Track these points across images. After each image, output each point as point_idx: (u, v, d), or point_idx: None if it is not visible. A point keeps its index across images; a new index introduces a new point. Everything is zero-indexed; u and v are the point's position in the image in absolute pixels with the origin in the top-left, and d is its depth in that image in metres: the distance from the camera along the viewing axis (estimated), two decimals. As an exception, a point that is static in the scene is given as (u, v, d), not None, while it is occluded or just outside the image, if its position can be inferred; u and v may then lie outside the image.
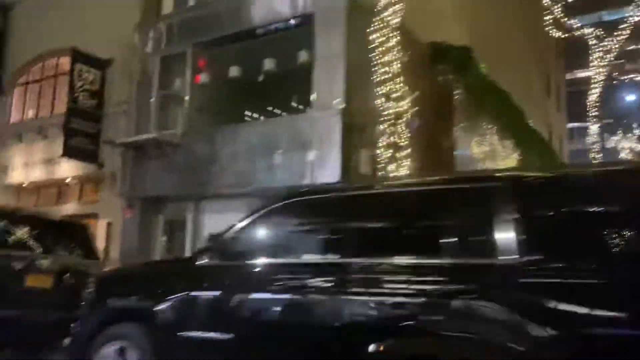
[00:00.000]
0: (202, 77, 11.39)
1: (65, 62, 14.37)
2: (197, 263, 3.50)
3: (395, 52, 8.19)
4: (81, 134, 12.10)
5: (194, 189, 10.92)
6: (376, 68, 8.23)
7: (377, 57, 8.28)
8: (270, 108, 10.57)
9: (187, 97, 11.31)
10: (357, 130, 9.04)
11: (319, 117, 9.44)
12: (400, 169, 7.86)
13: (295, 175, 9.57)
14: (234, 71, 10.95)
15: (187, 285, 3.42)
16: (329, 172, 9.10)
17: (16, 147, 14.74)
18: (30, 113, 14.78)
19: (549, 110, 25.19)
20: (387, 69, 8.00)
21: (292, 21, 10.10)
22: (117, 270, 4.28)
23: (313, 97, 9.61)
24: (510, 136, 14.11)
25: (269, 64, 10.50)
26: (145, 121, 11.89)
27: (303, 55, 10.06)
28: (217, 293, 3.33)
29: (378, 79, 8.23)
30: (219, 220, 11.14)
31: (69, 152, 11.93)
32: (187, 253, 11.48)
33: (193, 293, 3.37)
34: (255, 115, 10.72)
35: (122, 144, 11.37)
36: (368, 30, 9.12)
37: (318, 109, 9.49)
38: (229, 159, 10.45)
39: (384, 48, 8.16)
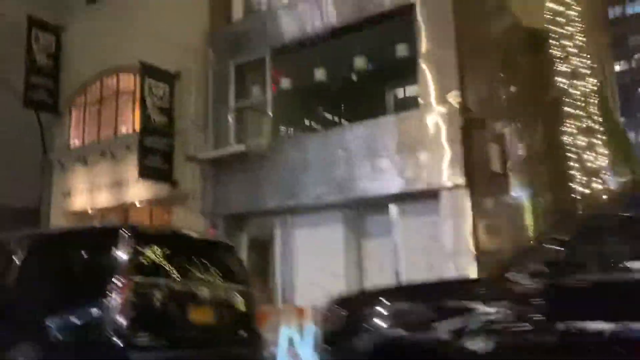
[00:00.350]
0: (284, 83, 10.66)
1: (126, 79, 13.80)
2: (557, 283, 2.53)
3: (575, 24, 7.30)
4: (155, 153, 11.41)
5: (283, 203, 10.13)
6: (556, 42, 7.37)
7: (556, 30, 7.42)
8: (366, 109, 9.79)
9: (269, 105, 10.56)
10: (477, 124, 8.18)
11: (430, 114, 8.60)
12: (600, 157, 6.97)
13: (406, 180, 8.73)
14: (320, 74, 10.18)
15: (539, 312, 2.49)
16: (449, 173, 8.24)
17: (78, 172, 14.14)
18: (92, 135, 14.18)
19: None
20: (568, 42, 7.11)
21: (387, 14, 9.31)
22: (378, 293, 3.37)
23: (420, 92, 8.80)
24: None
25: (360, 62, 9.71)
26: (221, 134, 11.18)
27: (402, 50, 9.26)
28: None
29: (560, 55, 7.38)
30: (311, 235, 10.42)
31: (145, 172, 11.23)
32: (278, 272, 10.69)
33: (558, 323, 2.46)
34: (349, 118, 9.95)
35: (205, 159, 10.63)
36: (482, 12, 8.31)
37: (428, 104, 8.65)
38: (323, 168, 9.66)
39: (563, 20, 7.29)
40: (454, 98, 8.37)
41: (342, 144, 9.53)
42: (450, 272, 8.38)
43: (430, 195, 8.52)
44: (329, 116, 10.08)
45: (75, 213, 14.33)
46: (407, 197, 8.86)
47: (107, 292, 4.14)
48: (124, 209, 13.59)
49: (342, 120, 9.76)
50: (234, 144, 10.67)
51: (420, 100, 8.77)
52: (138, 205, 13.19)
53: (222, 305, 4.84)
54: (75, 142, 14.70)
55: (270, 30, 10.78)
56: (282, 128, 10.52)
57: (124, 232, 4.49)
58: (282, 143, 10.20)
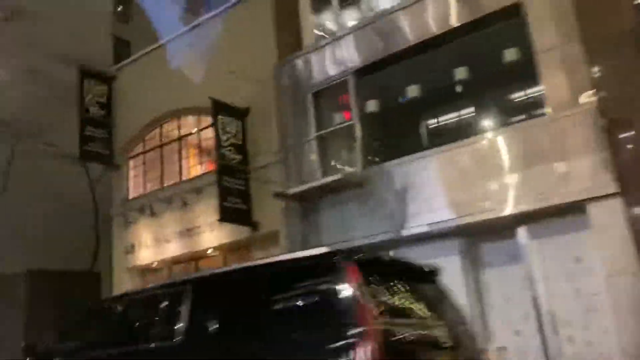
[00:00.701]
0: (371, 105, 9.83)
1: (187, 122, 13.13)
2: None
3: None
4: (234, 194, 10.55)
5: (386, 235, 9.11)
6: None
7: None
8: (475, 123, 8.90)
9: (357, 130, 9.70)
10: (621, 124, 7.21)
11: (560, 118, 7.66)
12: None
13: (540, 195, 7.70)
14: (413, 91, 9.35)
15: None
16: (597, 182, 7.21)
17: (142, 223, 13.30)
18: (155, 183, 13.40)
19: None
20: None
21: (487, 18, 8.53)
22: None
23: (546, 97, 7.88)
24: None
25: (462, 73, 8.86)
26: (303, 167, 10.32)
27: (511, 54, 8.41)
28: None
29: None
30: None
31: (226, 215, 10.33)
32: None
33: None
34: (455, 135, 9.03)
35: (294, 194, 9.72)
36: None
37: (557, 108, 7.72)
38: (431, 192, 8.69)
39: None
40: (588, 98, 7.44)
41: (452, 164, 8.58)
42: (605, 297, 7.26)
43: (573, 209, 7.48)
44: (429, 135, 9.19)
45: (141, 268, 13.45)
46: (542, 215, 7.80)
47: (342, 343, 3.12)
48: (193, 259, 12.69)
49: (447, 138, 8.86)
50: (324, 176, 9.78)
51: (547, 105, 7.85)
52: (210, 253, 12.27)
53: (455, 350, 3.79)
54: (134, 193, 13.93)
55: (350, 51, 10.04)
56: (376, 153, 9.62)
57: (344, 259, 3.52)
58: (379, 169, 9.27)
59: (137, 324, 4.44)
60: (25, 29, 16.97)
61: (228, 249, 11.94)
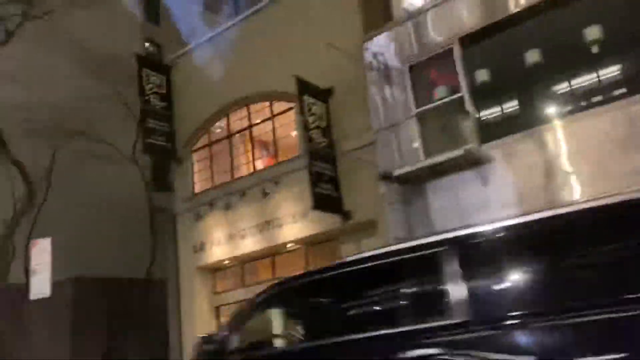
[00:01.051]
0: (481, 75, 8.84)
1: (260, 108, 12.25)
2: None
3: None
4: (324, 180, 9.63)
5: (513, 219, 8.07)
6: None
7: None
8: (614, 86, 7.89)
9: (468, 103, 8.72)
10: None
11: None
12: None
13: None
14: (532, 56, 8.33)
15: None
16: None
17: (211, 219, 12.41)
18: (224, 176, 12.52)
19: None
20: None
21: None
22: None
23: None
24: None
25: (593, 33, 7.83)
26: (403, 147, 9.36)
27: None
28: None
29: None
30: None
31: (320, 203, 9.39)
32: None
33: None
34: (590, 102, 8.03)
35: (401, 175, 8.74)
36: None
37: None
38: (567, 166, 7.69)
39: None
40: None
41: (588, 135, 7.56)
42: None
43: None
44: (557, 104, 8.15)
45: (211, 267, 12.57)
46: None
47: None
48: (270, 254, 11.77)
49: (581, 106, 7.86)
50: (427, 156, 8.80)
51: None
52: (291, 247, 11.33)
53: None
54: (200, 187, 13.06)
55: (454, 16, 9.06)
56: (492, 127, 8.62)
57: None
58: (499, 144, 8.28)
59: (378, 299, 3.61)
60: (61, 29, 16.35)
61: (311, 243, 11.01)
